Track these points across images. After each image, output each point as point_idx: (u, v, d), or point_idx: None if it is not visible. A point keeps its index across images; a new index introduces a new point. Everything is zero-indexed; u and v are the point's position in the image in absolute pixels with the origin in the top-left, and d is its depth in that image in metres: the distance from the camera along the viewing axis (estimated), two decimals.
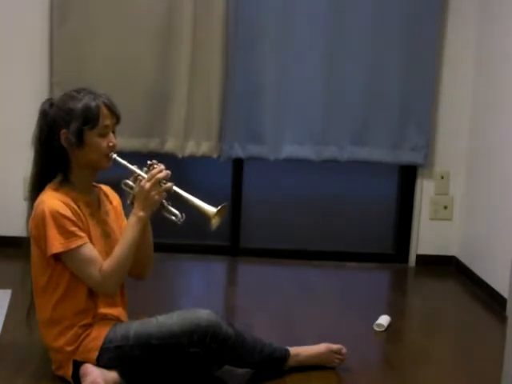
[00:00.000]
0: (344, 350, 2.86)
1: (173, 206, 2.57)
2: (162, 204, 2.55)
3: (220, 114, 4.19)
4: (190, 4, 4.07)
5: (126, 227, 2.55)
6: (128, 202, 2.58)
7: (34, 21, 4.12)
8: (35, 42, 4.13)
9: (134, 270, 2.64)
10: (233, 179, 4.43)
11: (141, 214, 2.52)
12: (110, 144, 2.54)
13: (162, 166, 2.55)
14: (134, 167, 2.57)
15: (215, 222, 2.53)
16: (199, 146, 4.22)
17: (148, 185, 2.50)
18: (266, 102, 4.21)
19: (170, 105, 4.17)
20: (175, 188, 2.55)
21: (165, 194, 2.53)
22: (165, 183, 2.52)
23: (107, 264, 2.49)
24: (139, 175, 2.55)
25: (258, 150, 4.26)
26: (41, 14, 4.09)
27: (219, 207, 2.53)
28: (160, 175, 2.52)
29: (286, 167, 4.41)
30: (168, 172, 2.54)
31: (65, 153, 2.53)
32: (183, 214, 2.55)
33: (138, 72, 4.14)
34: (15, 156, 4.16)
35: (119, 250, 2.51)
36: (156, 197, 2.51)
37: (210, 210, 2.53)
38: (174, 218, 2.56)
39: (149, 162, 2.56)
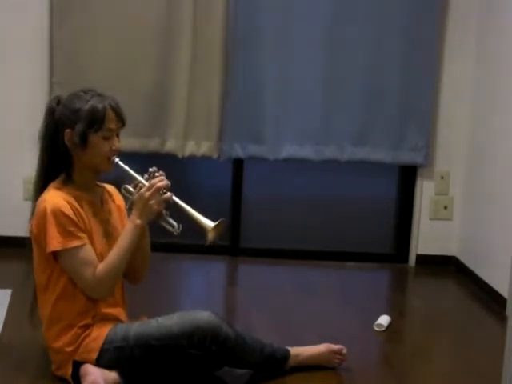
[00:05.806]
0: (344, 351, 2.86)
1: (171, 216, 2.56)
2: (160, 213, 2.54)
3: (220, 114, 4.19)
4: (189, 4, 4.07)
5: (123, 234, 2.54)
6: (126, 207, 2.58)
7: (34, 21, 4.12)
8: (35, 41, 4.13)
9: (128, 274, 2.65)
10: (233, 179, 4.42)
11: (138, 221, 2.52)
12: (113, 147, 2.53)
13: (163, 176, 2.54)
14: (135, 173, 2.56)
15: (211, 236, 2.52)
16: (199, 146, 4.22)
17: (148, 194, 2.49)
18: (266, 102, 4.21)
19: (170, 105, 4.17)
20: (175, 198, 2.53)
21: (164, 203, 2.53)
22: (164, 193, 2.51)
23: (101, 268, 2.49)
24: (140, 182, 2.54)
25: (258, 149, 4.26)
26: (41, 14, 4.09)
27: (217, 222, 2.52)
28: (160, 184, 2.50)
29: (286, 167, 4.41)
30: (168, 182, 2.53)
31: (68, 151, 2.53)
32: (180, 225, 2.54)
33: (138, 72, 4.14)
34: (15, 156, 4.17)
35: (114, 255, 2.51)
36: (155, 206, 2.50)
37: (208, 224, 2.52)
38: (171, 228, 2.55)
39: (150, 170, 2.55)
